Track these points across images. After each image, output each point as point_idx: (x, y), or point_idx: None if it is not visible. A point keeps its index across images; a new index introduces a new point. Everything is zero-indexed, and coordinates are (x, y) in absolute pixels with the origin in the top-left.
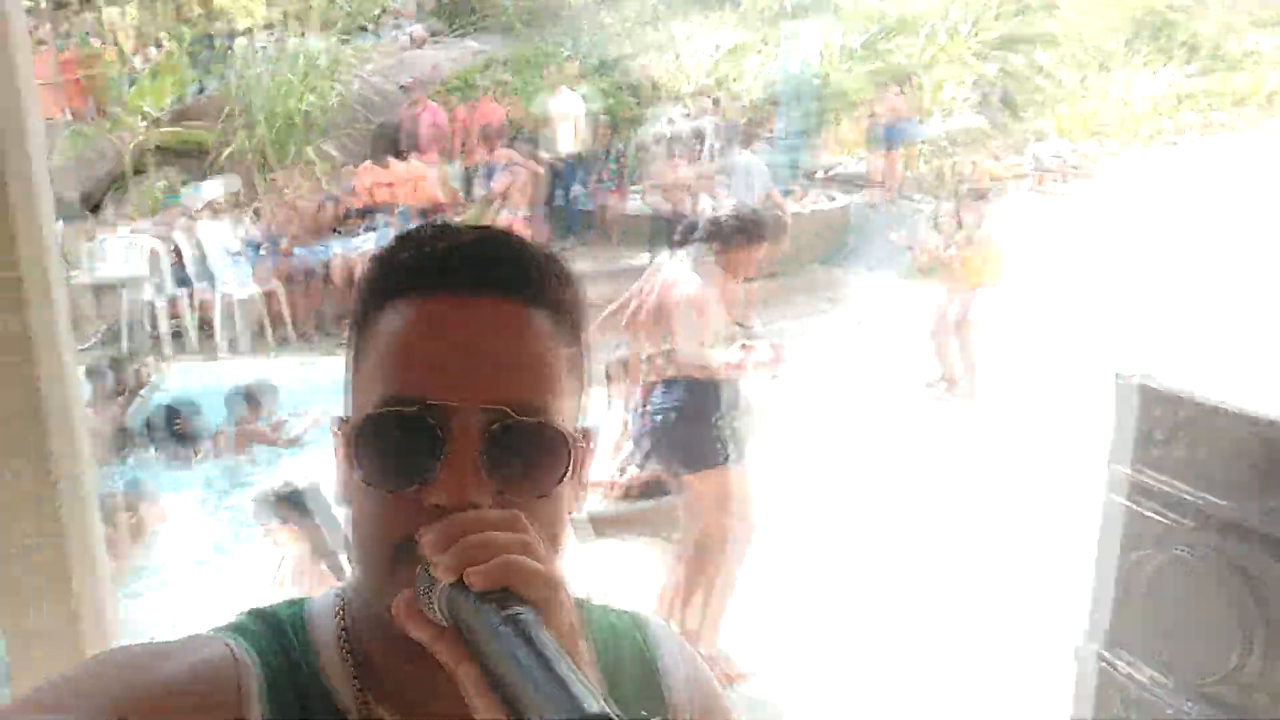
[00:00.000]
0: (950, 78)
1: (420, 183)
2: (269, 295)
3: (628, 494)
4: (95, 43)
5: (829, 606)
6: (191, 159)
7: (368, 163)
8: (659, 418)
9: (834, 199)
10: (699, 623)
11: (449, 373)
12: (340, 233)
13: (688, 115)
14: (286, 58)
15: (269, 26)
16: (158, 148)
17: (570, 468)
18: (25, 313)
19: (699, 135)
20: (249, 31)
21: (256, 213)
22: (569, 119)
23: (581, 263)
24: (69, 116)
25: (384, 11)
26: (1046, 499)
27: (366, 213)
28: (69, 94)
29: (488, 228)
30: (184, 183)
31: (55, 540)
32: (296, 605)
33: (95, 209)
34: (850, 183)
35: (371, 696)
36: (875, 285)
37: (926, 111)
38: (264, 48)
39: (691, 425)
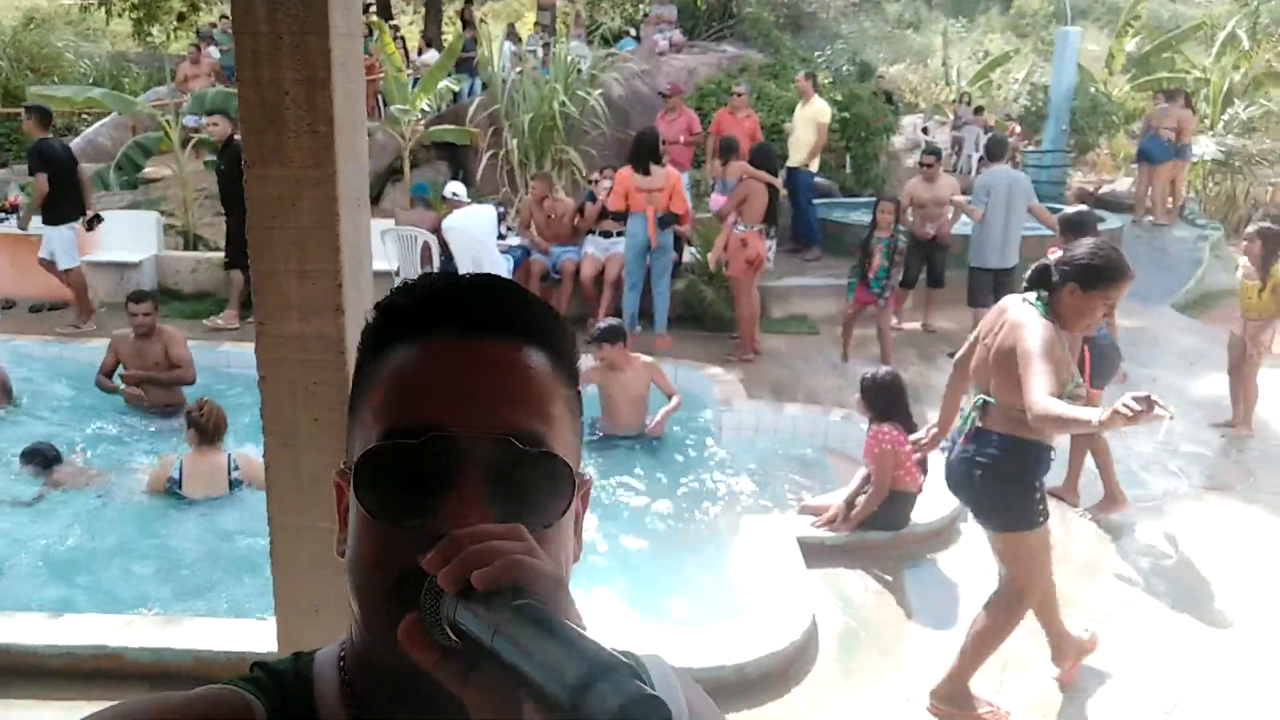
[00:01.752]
0: (1253, 87)
1: (677, 190)
2: None
3: (857, 524)
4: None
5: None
6: (460, 156)
7: (628, 168)
8: (977, 472)
9: (1103, 220)
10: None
11: (453, 403)
12: (595, 234)
13: (945, 124)
14: (552, 62)
15: (540, 30)
16: (433, 144)
17: (574, 499)
18: (342, 317)
19: (957, 146)
20: (518, 37)
21: (516, 211)
22: (815, 126)
23: (816, 276)
24: None
25: (645, 17)
26: None
27: (620, 216)
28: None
29: (489, 276)
30: (455, 177)
31: None
32: (305, 658)
33: (375, 201)
34: (1120, 203)
35: None
36: (1144, 317)
37: (1213, 126)
38: (532, 51)
39: (1013, 485)
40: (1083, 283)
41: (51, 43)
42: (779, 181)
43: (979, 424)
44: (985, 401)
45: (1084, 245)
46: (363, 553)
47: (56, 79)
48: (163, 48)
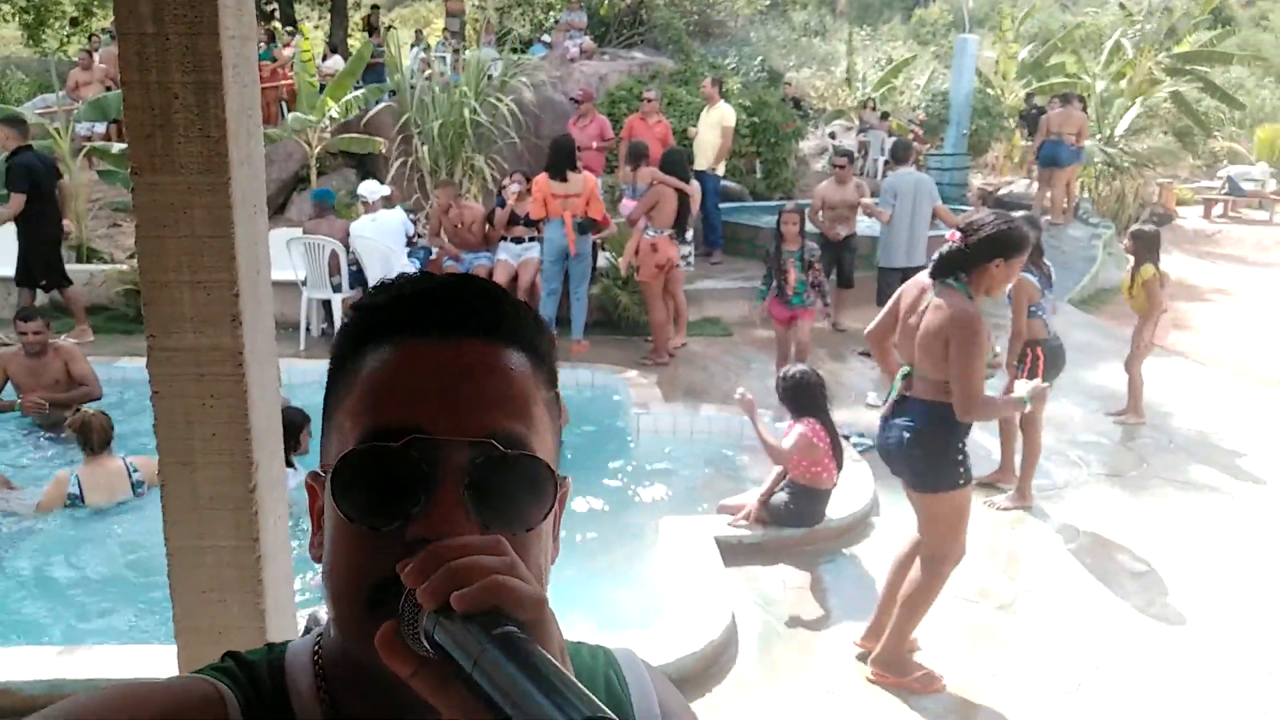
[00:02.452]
0: (1135, 94)
1: (594, 195)
2: None
3: (770, 514)
4: (287, 52)
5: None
6: (368, 164)
7: (544, 175)
8: (903, 436)
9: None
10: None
11: (432, 405)
12: (507, 240)
13: (851, 129)
14: (462, 68)
15: (448, 36)
16: (341, 153)
17: (556, 502)
18: (240, 328)
19: (863, 150)
20: (427, 44)
21: (426, 217)
22: (720, 130)
23: (727, 279)
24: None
25: (556, 24)
26: (1220, 544)
27: (532, 223)
28: (265, 100)
29: (466, 276)
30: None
31: (250, 542)
32: (278, 649)
33: (281, 209)
34: (1019, 204)
35: None
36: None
37: (1107, 130)
38: (441, 58)
39: (935, 448)
40: (1006, 253)
41: None
42: (690, 187)
43: (904, 393)
44: (909, 372)
45: (988, 221)
46: (340, 558)
47: None
48: (58, 54)
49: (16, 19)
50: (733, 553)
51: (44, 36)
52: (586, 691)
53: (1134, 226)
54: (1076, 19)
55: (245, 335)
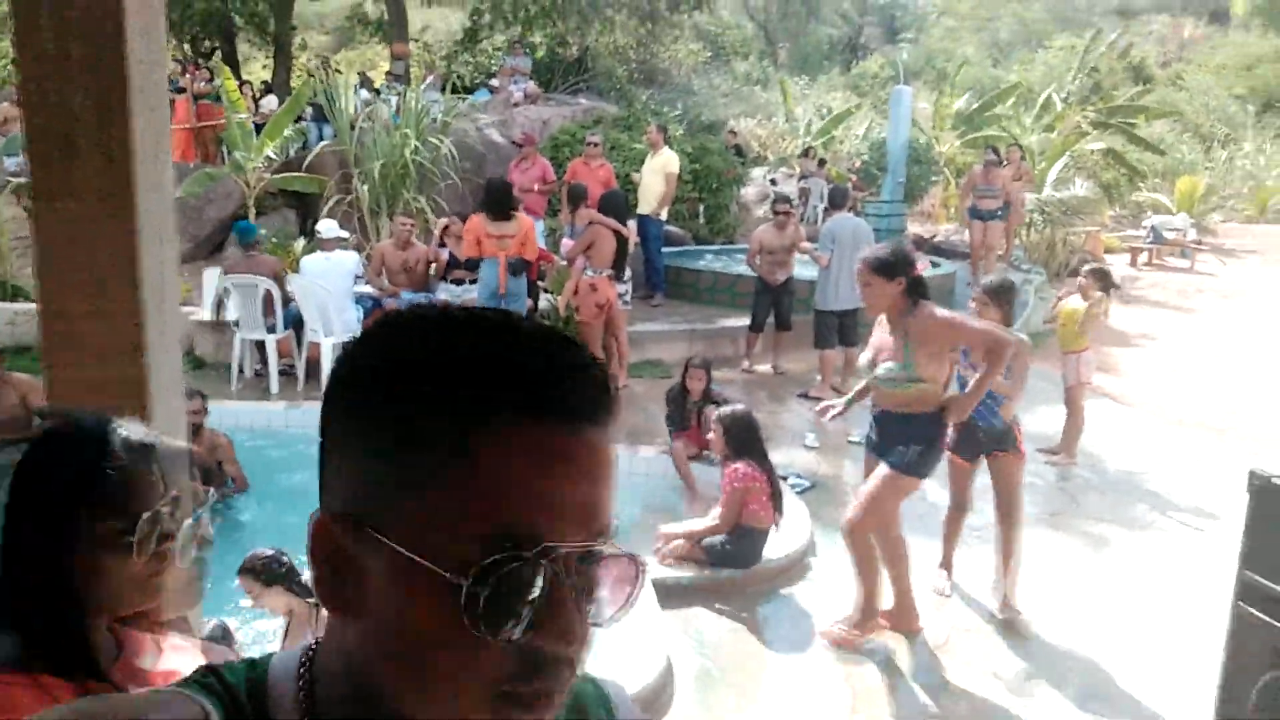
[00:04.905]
0: (1064, 146)
1: (529, 237)
2: None
3: (701, 551)
4: (200, 85)
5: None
6: (308, 204)
7: (479, 215)
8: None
9: (938, 265)
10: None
11: (562, 511)
12: (447, 281)
13: (792, 176)
14: (405, 110)
15: (392, 79)
16: (280, 192)
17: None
18: (143, 358)
19: (804, 196)
20: (371, 85)
21: (367, 258)
22: (664, 176)
23: (668, 322)
24: (200, 160)
25: (501, 69)
26: (1172, 602)
27: (472, 264)
28: (203, 139)
29: (561, 337)
30: (302, 227)
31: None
32: (262, 665)
33: (219, 248)
34: (955, 251)
35: None
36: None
37: (1037, 180)
38: (385, 100)
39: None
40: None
41: None
42: (627, 229)
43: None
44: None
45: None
46: (449, 663)
47: None
48: None
49: None
50: (669, 594)
51: None
52: None
53: (1090, 265)
54: (1006, 74)
55: (150, 364)
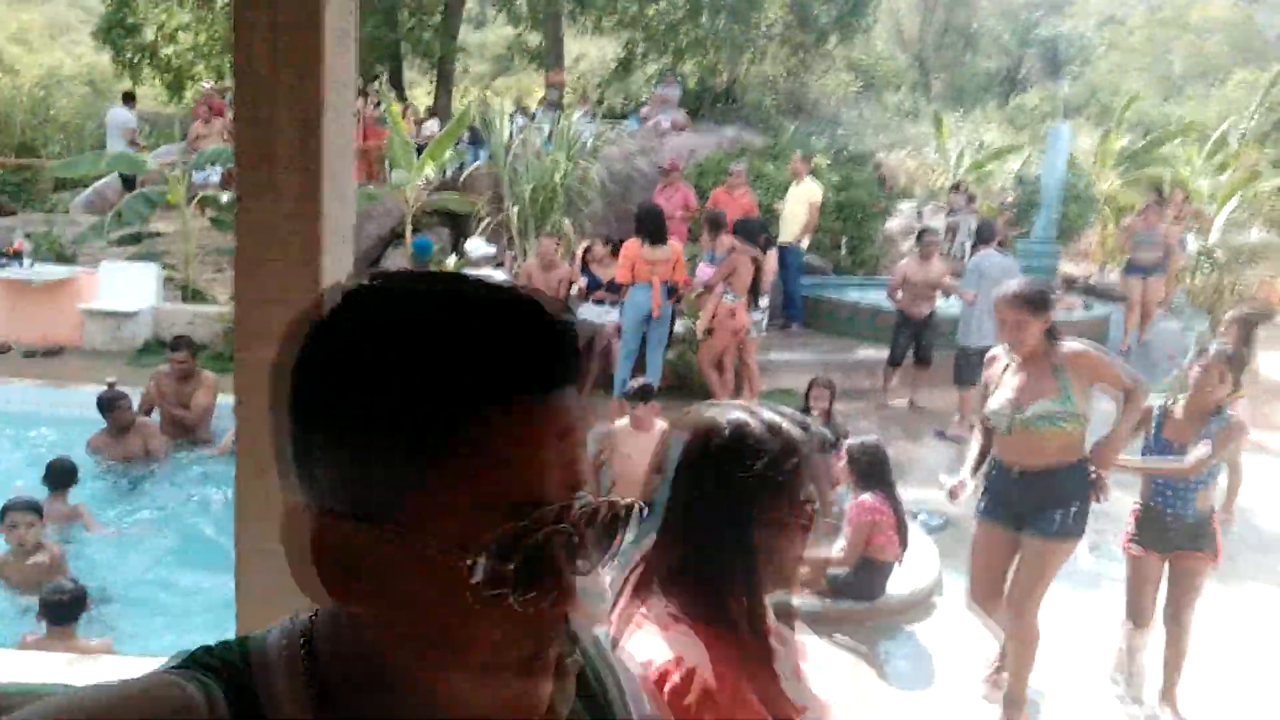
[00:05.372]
0: (1236, 187)
1: (680, 262)
2: None
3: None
4: (369, 111)
5: None
6: (461, 224)
7: (632, 240)
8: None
9: (1091, 308)
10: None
11: (557, 476)
12: (592, 303)
13: (941, 209)
14: (557, 136)
15: (547, 106)
16: (435, 211)
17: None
18: None
19: (951, 232)
20: (526, 112)
21: (514, 276)
22: (806, 205)
23: (804, 351)
24: (365, 179)
25: (651, 97)
26: None
27: (614, 286)
28: (368, 159)
29: (541, 301)
30: (454, 245)
31: None
32: (255, 642)
33: (375, 263)
34: (1110, 294)
35: None
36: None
37: (1205, 223)
38: (539, 127)
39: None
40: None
41: (61, 102)
42: (764, 255)
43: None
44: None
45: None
46: (463, 638)
47: (70, 131)
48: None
49: (158, 80)
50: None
51: (181, 96)
52: None
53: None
54: (1178, 110)
55: None
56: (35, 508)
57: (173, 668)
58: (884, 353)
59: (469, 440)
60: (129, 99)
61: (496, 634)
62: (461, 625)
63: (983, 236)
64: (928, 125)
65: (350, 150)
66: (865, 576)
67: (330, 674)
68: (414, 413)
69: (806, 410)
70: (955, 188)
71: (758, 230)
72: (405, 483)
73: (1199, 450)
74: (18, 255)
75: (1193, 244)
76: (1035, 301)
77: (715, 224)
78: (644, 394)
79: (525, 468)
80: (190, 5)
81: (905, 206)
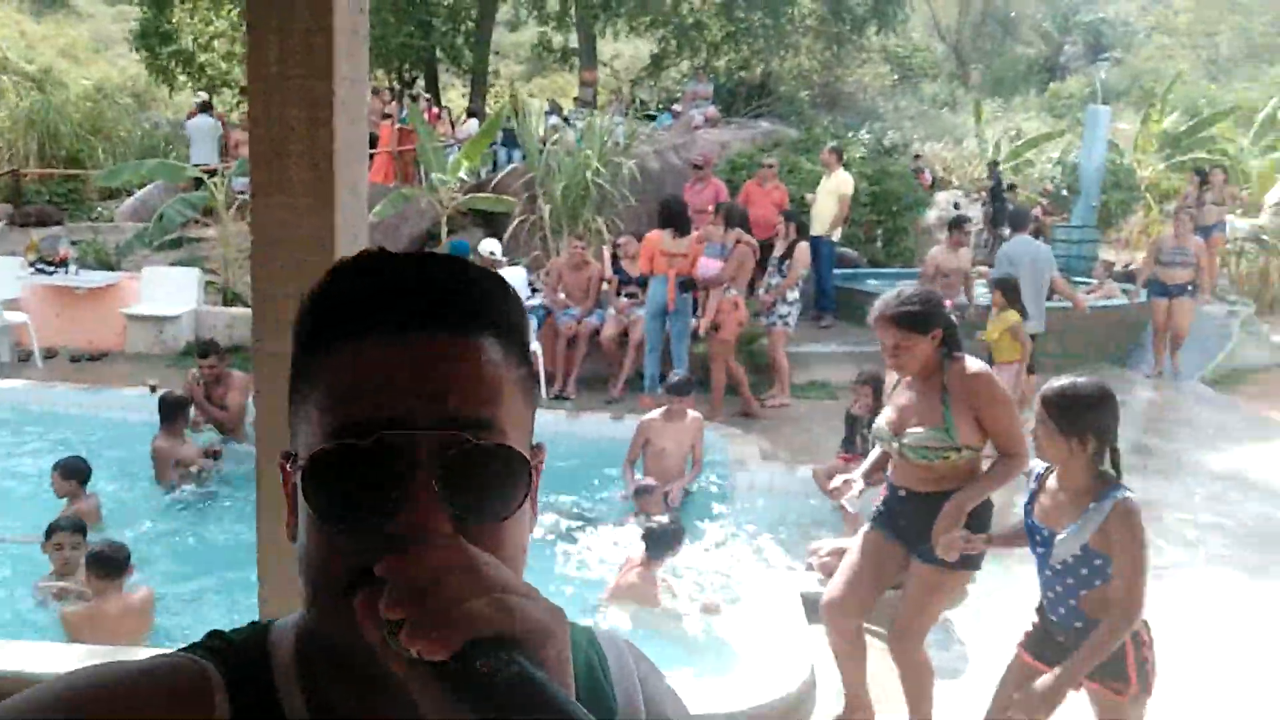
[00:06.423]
0: None
1: (699, 255)
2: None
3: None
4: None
5: None
6: (496, 223)
7: (655, 232)
8: None
9: (1130, 293)
10: None
11: (400, 400)
12: (621, 296)
13: (977, 199)
14: (589, 133)
15: (580, 105)
16: (470, 211)
17: (530, 490)
18: None
19: (988, 220)
20: (560, 111)
21: (547, 273)
22: (837, 198)
23: (836, 344)
24: (400, 181)
25: (684, 94)
26: None
27: (644, 282)
28: (404, 162)
29: (429, 255)
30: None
31: None
32: (263, 628)
33: None
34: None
35: None
36: (1173, 391)
37: (1251, 204)
38: (572, 125)
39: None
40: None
41: (108, 114)
42: (798, 248)
43: None
44: None
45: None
46: (315, 551)
47: (115, 141)
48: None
49: (192, 86)
50: (816, 608)
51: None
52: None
53: (996, 275)
54: (1225, 92)
55: None
56: (81, 528)
57: (181, 649)
58: None
59: (324, 370)
60: (206, 108)
61: (332, 554)
62: (310, 549)
63: (1015, 223)
64: (964, 115)
65: (363, 147)
66: None
67: (316, 654)
68: (297, 354)
69: (855, 403)
70: (989, 174)
71: (740, 216)
72: (293, 416)
73: (1064, 545)
74: (64, 263)
75: (1239, 226)
76: (916, 320)
77: (730, 215)
78: (680, 388)
79: (358, 396)
80: (226, 13)
81: (942, 197)
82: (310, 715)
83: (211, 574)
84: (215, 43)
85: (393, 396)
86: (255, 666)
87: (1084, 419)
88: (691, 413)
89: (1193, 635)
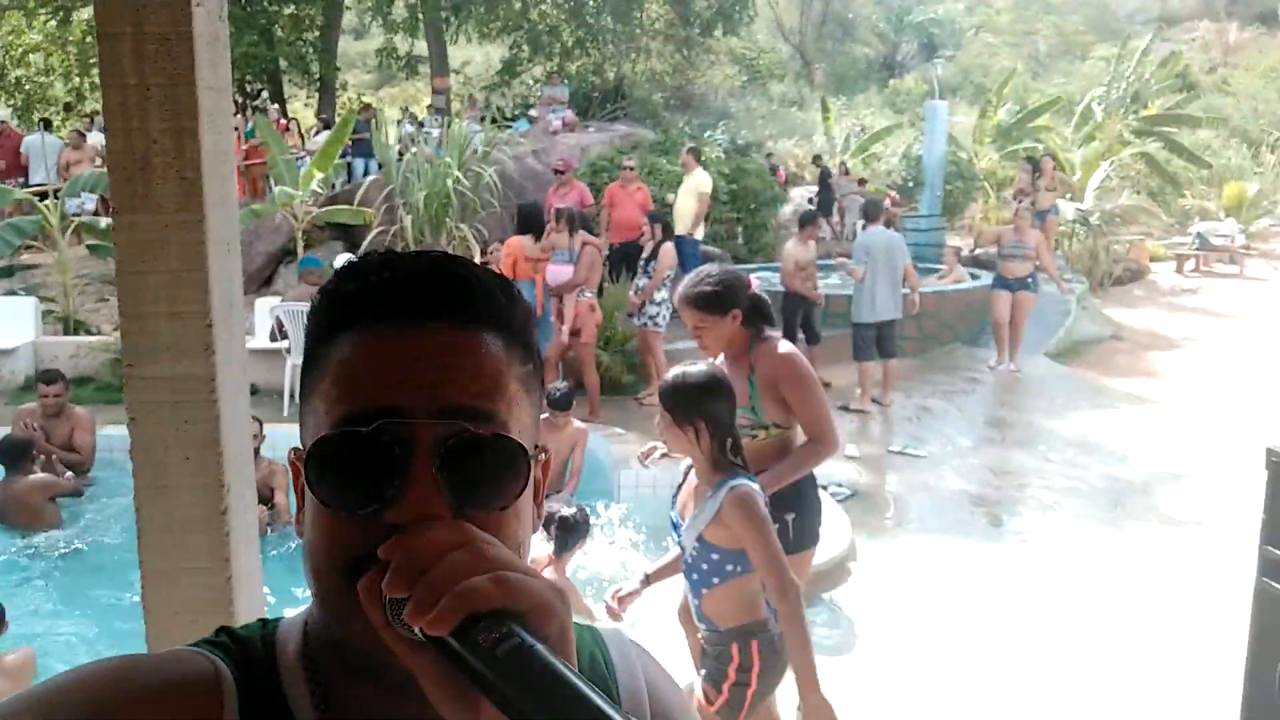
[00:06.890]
0: (1105, 155)
1: (547, 264)
2: None
3: None
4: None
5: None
6: (355, 236)
7: (515, 238)
8: None
9: (978, 277)
10: None
11: (402, 389)
12: None
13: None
14: (447, 141)
15: (434, 112)
16: (327, 225)
17: (529, 479)
18: (213, 357)
19: (841, 214)
20: (415, 119)
21: None
22: (696, 196)
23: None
24: (249, 197)
25: (539, 99)
26: (1194, 582)
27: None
28: (251, 176)
29: (433, 253)
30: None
31: (221, 563)
32: (271, 625)
33: (268, 281)
34: (991, 264)
35: None
36: (1027, 364)
37: (1078, 189)
38: (427, 132)
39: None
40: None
41: None
42: (663, 248)
43: None
44: None
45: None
46: (319, 538)
47: None
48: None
49: (4, 102)
50: None
51: (34, 120)
52: (599, 694)
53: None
54: (1046, 87)
55: (218, 364)
56: None
57: (189, 646)
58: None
59: (329, 362)
60: (48, 125)
61: (325, 544)
62: (313, 538)
63: (868, 215)
64: (812, 113)
65: (231, 157)
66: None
67: (321, 648)
68: (309, 348)
69: None
70: (840, 171)
71: (538, 216)
72: (303, 409)
73: (686, 536)
74: None
75: (1068, 210)
76: (711, 301)
77: (573, 220)
78: (561, 403)
79: (359, 385)
80: (40, 25)
81: (796, 193)
82: (315, 714)
83: (89, 617)
84: (30, 56)
85: (394, 386)
86: (263, 664)
87: (695, 407)
88: (577, 423)
89: (1059, 591)
